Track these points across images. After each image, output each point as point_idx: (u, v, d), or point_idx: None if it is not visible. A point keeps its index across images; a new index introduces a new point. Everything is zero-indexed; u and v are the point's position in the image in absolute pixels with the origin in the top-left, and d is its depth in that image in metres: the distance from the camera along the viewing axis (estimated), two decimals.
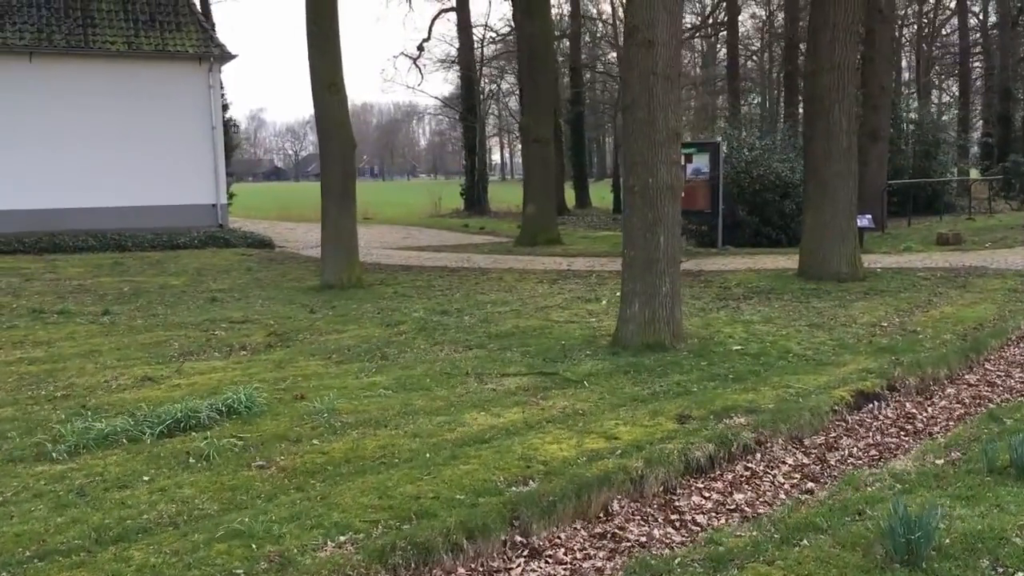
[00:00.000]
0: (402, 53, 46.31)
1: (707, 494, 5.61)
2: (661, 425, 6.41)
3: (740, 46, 49.39)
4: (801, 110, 33.74)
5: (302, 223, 30.59)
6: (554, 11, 38.18)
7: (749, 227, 18.67)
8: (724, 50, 47.33)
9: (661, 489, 5.58)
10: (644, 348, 9.10)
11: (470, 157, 42.38)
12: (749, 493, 5.65)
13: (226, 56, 23.92)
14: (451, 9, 42.52)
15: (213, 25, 37.62)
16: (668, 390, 7.47)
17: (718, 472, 5.92)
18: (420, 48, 44.96)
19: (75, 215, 21.27)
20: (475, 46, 41.77)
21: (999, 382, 8.17)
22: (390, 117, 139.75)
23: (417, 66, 46.08)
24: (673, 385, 7.61)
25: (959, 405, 7.51)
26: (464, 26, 40.54)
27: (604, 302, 12.17)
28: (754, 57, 55.71)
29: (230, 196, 39.53)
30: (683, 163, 17.45)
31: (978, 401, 7.62)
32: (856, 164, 13.46)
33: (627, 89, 9.41)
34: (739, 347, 9.14)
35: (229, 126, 39.54)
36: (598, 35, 47.83)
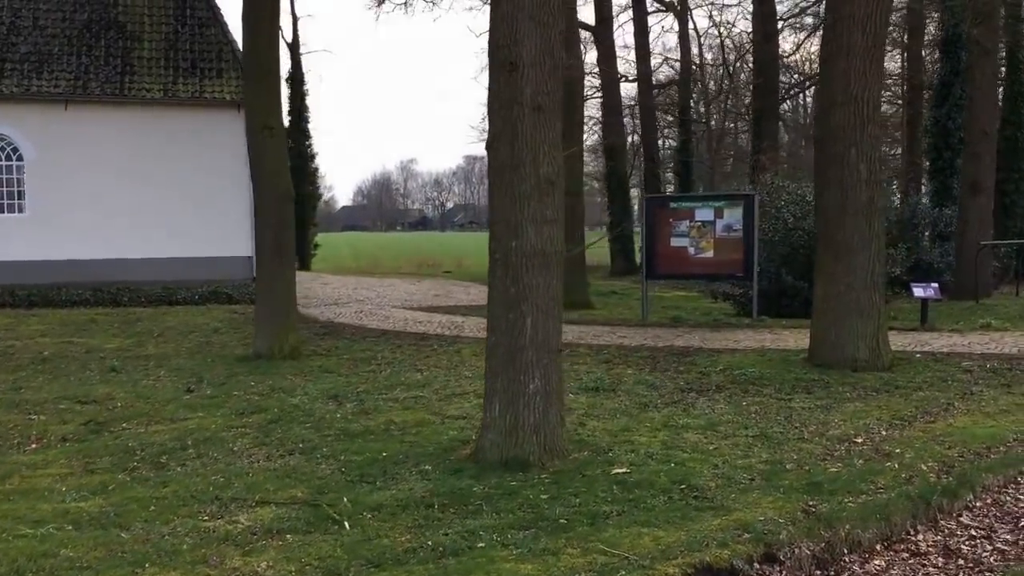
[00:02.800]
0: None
1: None
2: None
3: None
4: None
5: (375, 278, 29.13)
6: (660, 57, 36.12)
7: (800, 294, 15.84)
8: None
9: None
10: (499, 466, 6.88)
11: None
12: None
13: None
14: None
15: (302, 73, 37.41)
16: (438, 546, 5.23)
17: None
18: None
19: (100, 267, 20.52)
20: None
21: (966, 550, 5.49)
22: None
23: None
24: (455, 538, 5.37)
25: None
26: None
27: None
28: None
29: (314, 247, 39.19)
30: (713, 218, 15.11)
31: None
32: (880, 222, 10.72)
33: (490, 124, 7.26)
34: (625, 470, 6.76)
35: (313, 175, 39.05)
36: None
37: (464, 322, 15.86)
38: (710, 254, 15.22)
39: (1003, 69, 31.02)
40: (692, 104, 43.27)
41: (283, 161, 12.23)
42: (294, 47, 37.56)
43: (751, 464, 6.88)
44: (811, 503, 5.90)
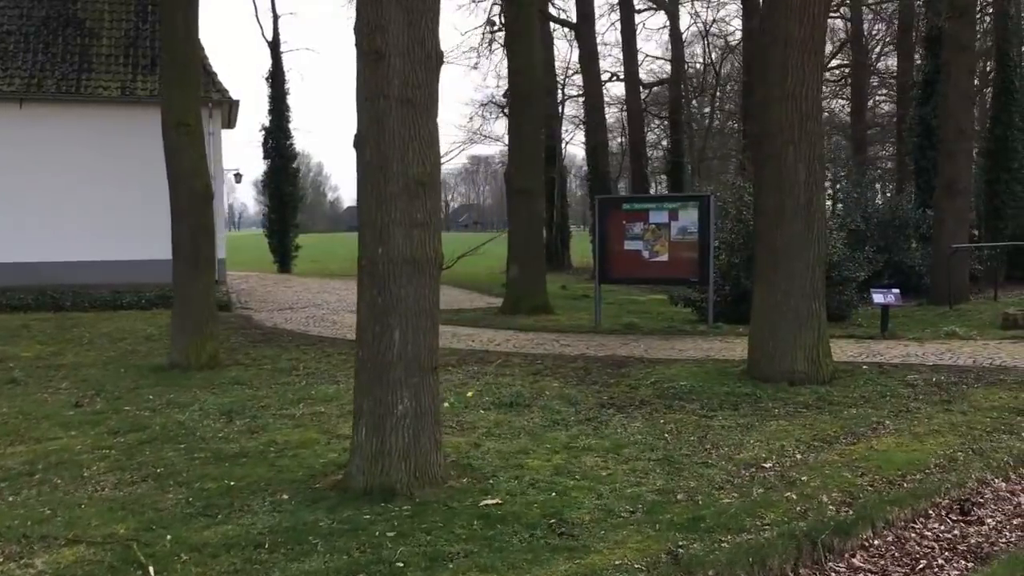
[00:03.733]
0: (491, 101, 44.04)
1: None
2: None
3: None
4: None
5: (345, 280, 28.10)
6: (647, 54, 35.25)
7: None
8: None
9: None
10: (363, 495, 6.27)
11: (550, 208, 39.71)
12: None
13: (226, 102, 22.24)
14: None
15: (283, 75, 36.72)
16: None
17: None
18: (506, 95, 42.98)
19: (53, 269, 19.89)
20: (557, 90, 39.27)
21: None
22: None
23: (505, 114, 44.10)
24: None
25: None
26: (547, 70, 38.10)
27: (446, 403, 9.25)
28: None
29: (296, 248, 38.48)
30: (668, 220, 14.46)
31: None
32: (821, 226, 10.07)
33: (357, 119, 6.61)
34: (497, 501, 6.12)
35: (294, 176, 38.28)
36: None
37: None
38: (664, 258, 14.56)
39: (986, 66, 30.34)
40: (690, 103, 42.66)
41: (200, 159, 11.61)
42: (274, 45, 36.95)
43: (640, 493, 6.24)
44: (683, 543, 5.25)
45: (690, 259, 14.37)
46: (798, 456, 7.14)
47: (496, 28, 22.19)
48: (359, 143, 6.54)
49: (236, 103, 22.93)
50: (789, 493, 6.16)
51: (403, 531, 5.53)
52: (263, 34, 37.27)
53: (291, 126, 37.33)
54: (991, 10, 28.10)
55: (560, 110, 39.56)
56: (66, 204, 20.45)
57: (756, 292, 10.39)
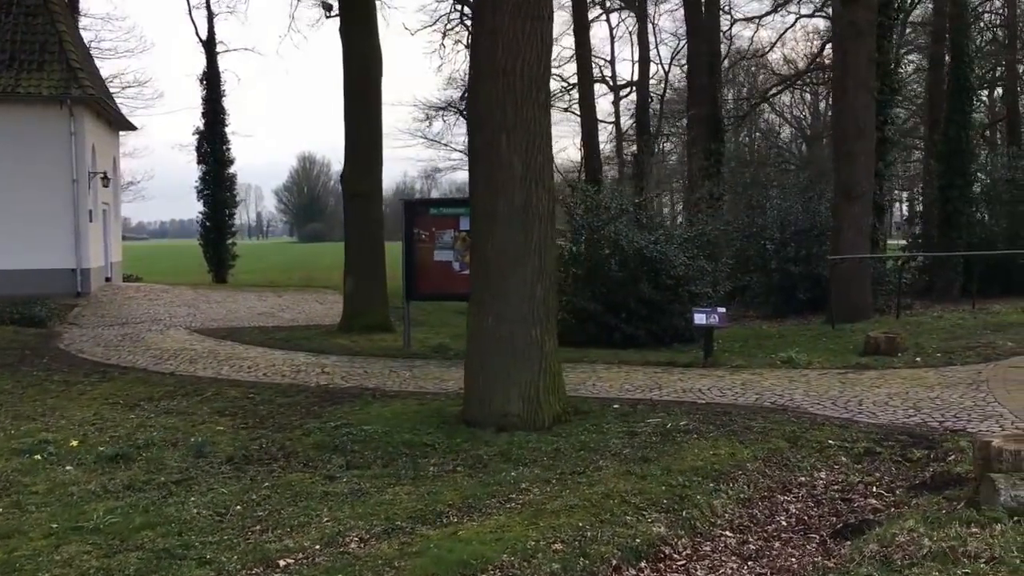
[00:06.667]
0: (449, 105, 42.20)
1: None
2: None
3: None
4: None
5: (239, 291, 25.67)
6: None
7: (596, 318, 13.21)
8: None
9: None
10: None
11: None
12: None
13: (88, 99, 20.58)
14: None
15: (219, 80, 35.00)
16: None
17: None
18: (463, 98, 41.28)
19: None
20: None
21: None
22: None
23: (464, 118, 42.43)
24: None
25: None
26: None
27: (37, 456, 7.42)
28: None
29: (233, 258, 36.59)
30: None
31: None
32: (544, 233, 8.09)
33: None
34: None
35: (229, 182, 36.43)
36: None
37: (202, 349, 13.36)
38: None
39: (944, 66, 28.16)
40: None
41: None
42: (209, 45, 35.34)
43: None
44: None
45: None
46: (351, 545, 5.21)
47: (332, 14, 20.12)
48: None
49: (103, 101, 21.28)
50: None
51: None
52: (197, 33, 35.40)
53: (228, 130, 35.64)
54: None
55: None
56: None
57: (469, 315, 8.46)
